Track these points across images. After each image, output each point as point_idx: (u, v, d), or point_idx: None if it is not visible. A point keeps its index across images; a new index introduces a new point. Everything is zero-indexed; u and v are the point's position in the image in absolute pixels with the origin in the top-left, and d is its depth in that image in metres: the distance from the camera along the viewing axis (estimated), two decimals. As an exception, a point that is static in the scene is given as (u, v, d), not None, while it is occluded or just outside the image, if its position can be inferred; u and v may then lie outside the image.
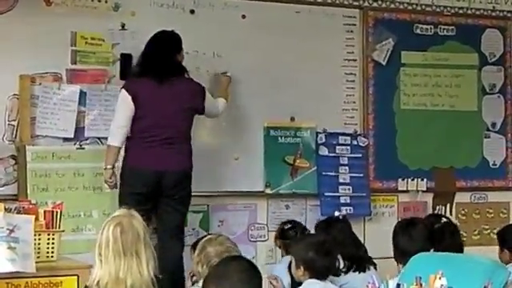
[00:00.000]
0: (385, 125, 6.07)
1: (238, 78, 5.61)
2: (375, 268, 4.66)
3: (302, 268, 4.02)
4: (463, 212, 6.34)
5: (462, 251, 4.32)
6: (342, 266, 4.53)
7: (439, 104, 6.23)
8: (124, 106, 4.92)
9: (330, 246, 4.17)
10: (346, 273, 4.53)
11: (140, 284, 3.22)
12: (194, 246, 4.79)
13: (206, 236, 4.48)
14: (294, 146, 5.80)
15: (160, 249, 4.97)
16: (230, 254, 3.80)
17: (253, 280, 3.04)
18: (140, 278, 3.22)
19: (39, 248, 3.96)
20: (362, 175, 5.94)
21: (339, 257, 4.51)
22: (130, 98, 4.90)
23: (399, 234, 3.98)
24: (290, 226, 5.20)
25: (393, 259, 4.09)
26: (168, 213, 4.98)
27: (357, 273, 4.56)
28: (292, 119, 5.81)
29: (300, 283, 4.10)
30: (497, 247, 5.02)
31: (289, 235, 5.17)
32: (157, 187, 4.90)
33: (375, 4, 6.08)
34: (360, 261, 4.63)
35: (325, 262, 4.03)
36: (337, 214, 5.26)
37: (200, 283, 3.87)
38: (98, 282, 3.24)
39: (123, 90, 4.95)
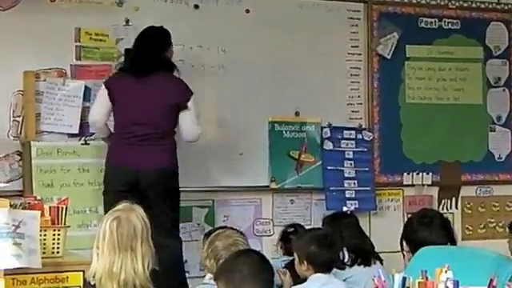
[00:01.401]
0: (390, 119, 6.06)
1: (242, 72, 5.61)
2: (381, 263, 4.66)
3: (305, 263, 4.01)
4: (469, 206, 6.34)
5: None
6: (346, 259, 4.53)
7: (444, 98, 6.22)
8: (100, 98, 4.90)
9: (333, 238, 4.15)
10: (350, 266, 4.53)
11: (133, 280, 3.22)
12: (206, 236, 4.77)
13: (215, 229, 4.48)
14: (298, 141, 5.80)
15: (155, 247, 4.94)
16: (237, 246, 3.80)
17: (263, 273, 3.04)
18: (134, 274, 3.22)
19: (45, 244, 3.96)
20: (367, 169, 5.94)
21: (345, 250, 4.51)
22: (106, 92, 4.87)
23: (417, 226, 3.88)
24: (292, 229, 5.15)
25: (398, 253, 4.07)
26: (153, 211, 4.90)
27: (362, 266, 4.56)
28: (297, 114, 5.81)
29: (301, 281, 4.10)
30: (502, 241, 5.02)
31: (291, 239, 5.16)
32: (136, 185, 4.78)
33: (379, -3, 6.08)
34: (365, 254, 4.62)
35: (328, 255, 4.02)
36: (345, 209, 5.26)
37: (207, 277, 3.89)
38: (94, 275, 3.25)
39: (102, 84, 4.93)
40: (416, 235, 3.82)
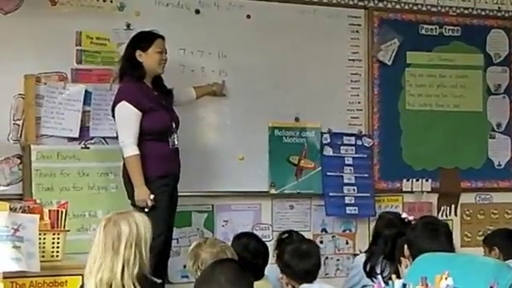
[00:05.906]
0: (390, 125, 6.06)
1: (243, 77, 5.61)
2: None
3: (283, 276, 4.06)
4: (468, 213, 6.34)
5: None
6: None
7: (444, 104, 6.23)
8: None
9: (307, 249, 4.15)
10: None
11: (109, 281, 3.20)
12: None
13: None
14: (298, 146, 5.80)
15: None
16: (224, 253, 3.82)
17: (241, 280, 3.01)
18: (110, 274, 3.19)
19: (44, 247, 3.98)
20: (366, 175, 5.93)
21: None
22: None
23: (423, 235, 3.81)
24: (286, 235, 5.13)
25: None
26: None
27: None
28: (297, 119, 5.81)
29: None
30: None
31: (285, 244, 5.13)
32: None
33: (380, 4, 6.08)
34: None
35: (303, 266, 4.04)
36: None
37: None
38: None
39: None
40: (419, 244, 3.75)
